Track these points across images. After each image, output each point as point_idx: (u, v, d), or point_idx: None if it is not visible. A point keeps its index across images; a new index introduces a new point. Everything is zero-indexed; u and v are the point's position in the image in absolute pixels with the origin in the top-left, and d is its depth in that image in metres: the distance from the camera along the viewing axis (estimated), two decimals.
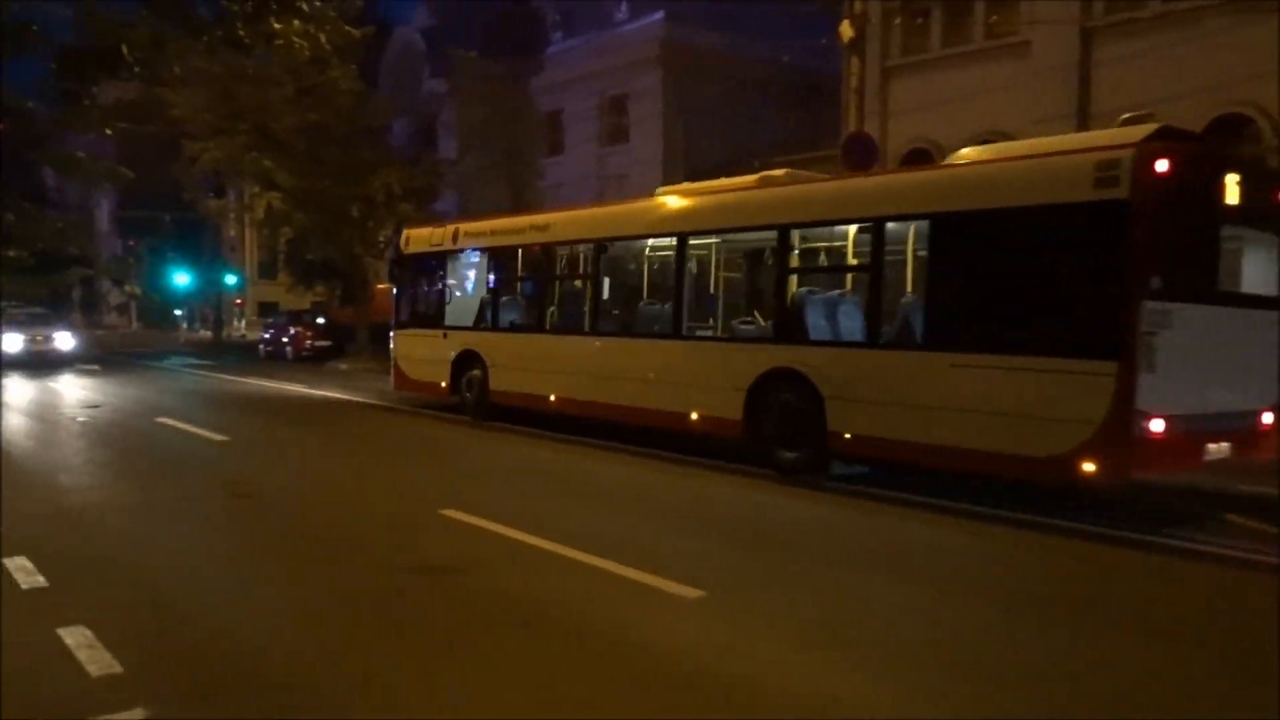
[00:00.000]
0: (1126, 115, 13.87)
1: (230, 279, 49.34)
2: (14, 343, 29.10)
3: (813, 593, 6.67)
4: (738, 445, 11.62)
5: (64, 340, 30.41)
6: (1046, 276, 8.96)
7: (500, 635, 5.67)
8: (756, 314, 12.61)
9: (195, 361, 31.25)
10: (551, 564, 7.21)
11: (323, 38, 11.75)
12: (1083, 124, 19.92)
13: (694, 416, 11.94)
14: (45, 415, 16.86)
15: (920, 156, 23.20)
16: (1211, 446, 8.85)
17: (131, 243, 49.91)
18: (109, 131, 6.08)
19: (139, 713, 4.56)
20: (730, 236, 12.79)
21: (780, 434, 10.93)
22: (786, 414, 10.85)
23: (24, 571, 6.82)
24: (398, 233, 23.41)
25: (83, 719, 4.47)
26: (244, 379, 24.40)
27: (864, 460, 10.85)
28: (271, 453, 12.78)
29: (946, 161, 10.63)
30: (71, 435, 14.41)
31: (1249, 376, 9.23)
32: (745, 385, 11.24)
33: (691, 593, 6.41)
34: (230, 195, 35.53)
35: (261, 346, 35.01)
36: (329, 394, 20.26)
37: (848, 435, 10.29)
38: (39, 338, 29.67)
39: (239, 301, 56.64)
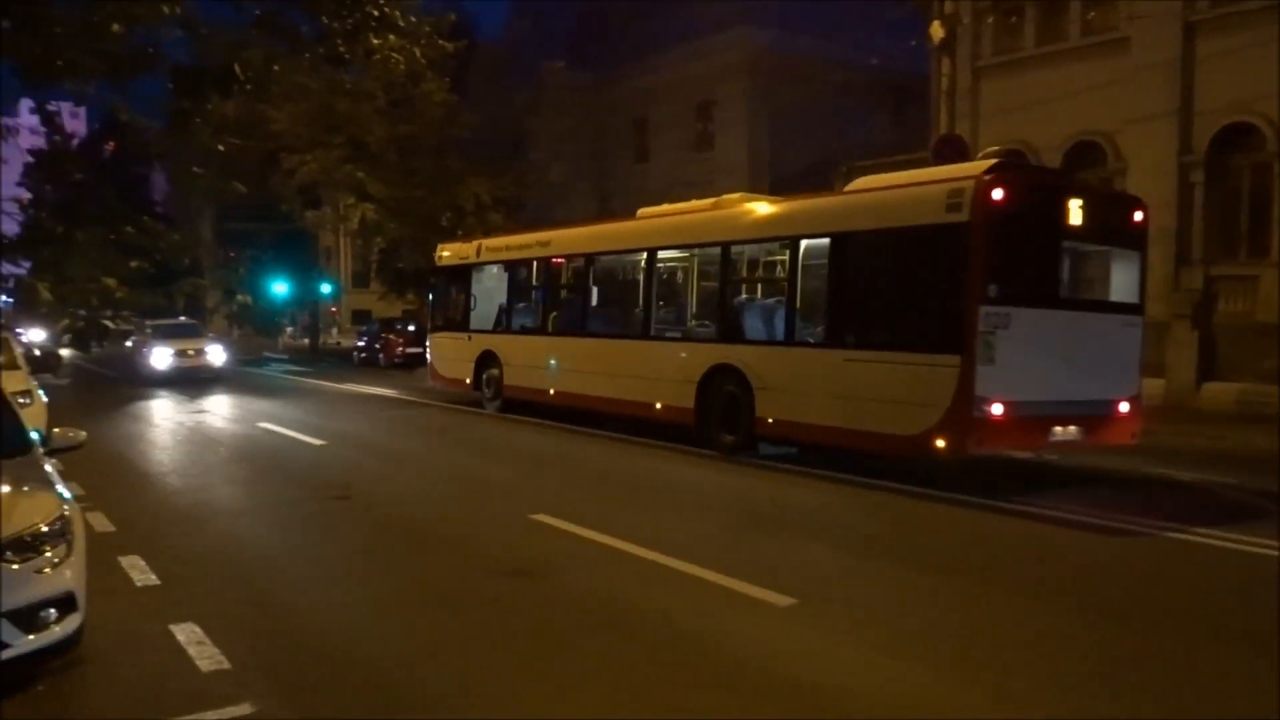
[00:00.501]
0: (991, 149, 16.00)
1: (325, 288, 50.65)
2: (163, 358, 26.38)
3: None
4: (689, 430, 13.39)
5: (215, 354, 27.44)
6: (912, 285, 10.87)
7: (593, 637, 5.72)
8: (707, 318, 14.16)
9: (293, 368, 32.13)
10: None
11: (417, 52, 12.08)
12: (1185, 123, 19.25)
13: (658, 406, 13.89)
14: (155, 421, 17.53)
15: (1013, 158, 22.70)
16: (1058, 429, 10.40)
17: (232, 254, 51.58)
18: (221, 148, 6.36)
19: (246, 708, 4.71)
20: (686, 251, 14.73)
21: (722, 420, 12.82)
22: (728, 403, 12.69)
23: (137, 569, 7.11)
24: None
25: (196, 714, 4.64)
26: (339, 385, 25.03)
27: (782, 441, 12.36)
28: (366, 455, 13.07)
29: (845, 189, 12.59)
30: (179, 439, 14.96)
31: (1104, 371, 10.80)
32: (696, 379, 13.16)
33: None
34: (325, 207, 36.51)
35: (356, 354, 35.87)
36: (417, 399, 20.65)
37: (770, 420, 12.14)
38: (190, 351, 26.76)
39: (334, 310, 58.12)
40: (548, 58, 33.55)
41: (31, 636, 4.74)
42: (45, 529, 4.95)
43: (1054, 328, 10.44)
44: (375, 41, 6.16)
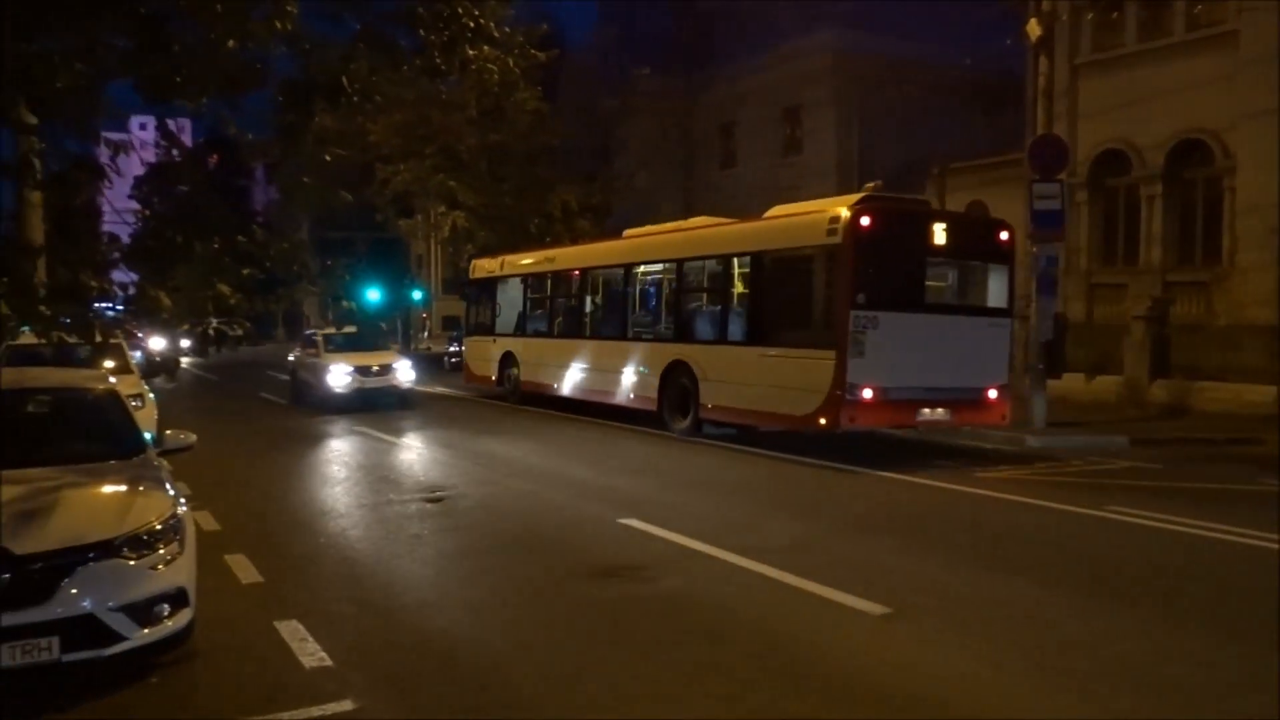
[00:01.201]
0: (870, 184, 18.73)
1: (417, 294, 51.71)
2: (340, 377, 19.92)
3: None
4: (650, 416, 16.32)
5: (403, 370, 20.66)
6: (805, 294, 13.68)
7: (690, 642, 5.71)
8: (667, 322, 16.71)
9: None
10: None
11: (511, 62, 12.42)
12: None
13: (631, 396, 16.95)
14: (265, 426, 18.09)
15: (1114, 158, 22.03)
16: (926, 411, 13.00)
17: (329, 262, 53.15)
18: (328, 158, 6.59)
19: (348, 704, 4.82)
20: (653, 266, 17.37)
21: (676, 407, 15.67)
22: (680, 392, 15.58)
23: (243, 568, 7.34)
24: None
25: (300, 709, 4.77)
26: (430, 389, 25.45)
27: (719, 424, 15.02)
28: (460, 457, 13.28)
29: (765, 216, 15.13)
30: (275, 442, 15.41)
31: (972, 363, 13.28)
32: (658, 373, 16.05)
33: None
34: (418, 215, 37.27)
35: (447, 359, 36.47)
36: (504, 403, 20.89)
37: (710, 406, 14.94)
38: (374, 367, 20.30)
39: (425, 316, 59.30)
40: (635, 65, 33.70)
41: (146, 630, 4.91)
42: (159, 527, 5.14)
43: (920, 328, 12.97)
44: (471, 53, 6.26)
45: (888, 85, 30.65)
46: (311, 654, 5.49)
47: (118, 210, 6.40)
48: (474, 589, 6.96)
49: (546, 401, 19.59)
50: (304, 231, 55.13)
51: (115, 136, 5.41)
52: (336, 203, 5.03)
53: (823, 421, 12.70)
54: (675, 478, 11.89)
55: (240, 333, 5.30)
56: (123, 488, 5.45)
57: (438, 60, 5.95)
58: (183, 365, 35.20)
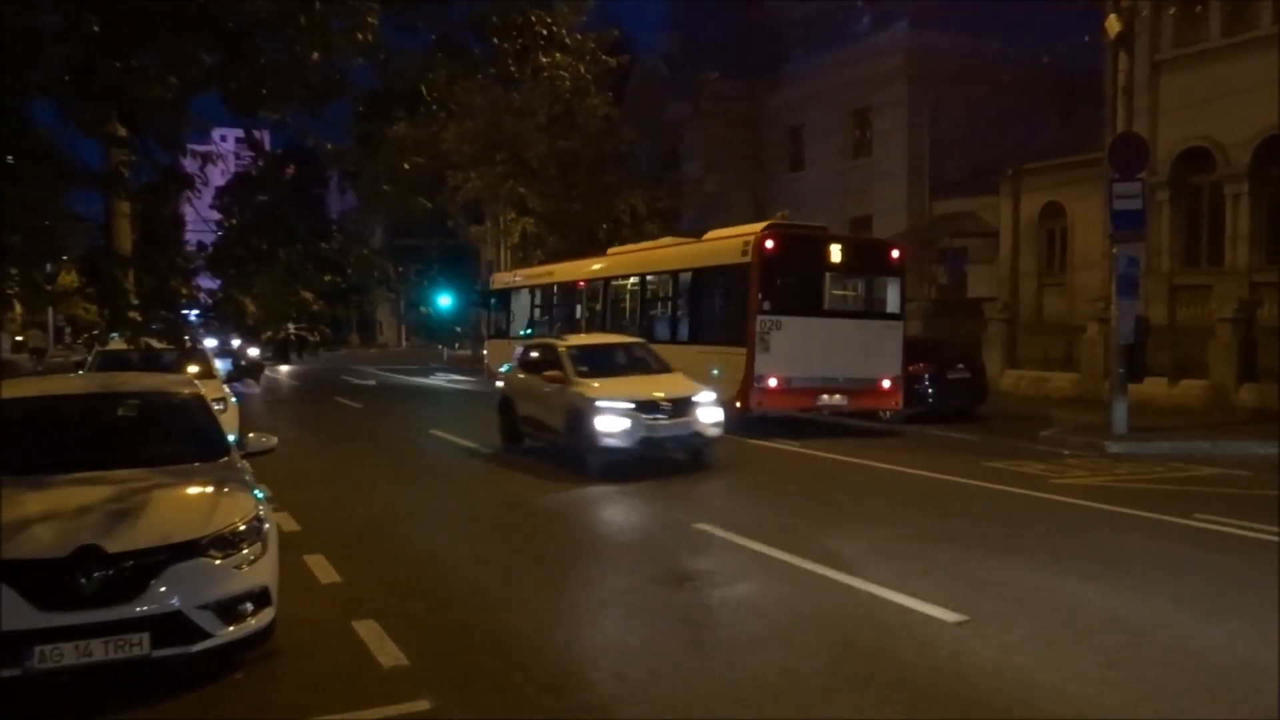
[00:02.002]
0: (781, 212, 22.69)
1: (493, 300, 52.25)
2: (615, 420, 12.12)
3: None
4: None
5: (708, 410, 12.57)
6: (727, 303, 16.95)
7: (766, 648, 5.67)
8: (634, 326, 19.23)
9: (457, 377, 33.17)
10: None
11: (582, 68, 12.55)
12: None
13: None
14: (338, 430, 18.43)
15: (1196, 156, 21.38)
16: (825, 397, 16.09)
17: (400, 269, 53.97)
18: (406, 165, 6.68)
19: (423, 704, 4.88)
20: (625, 279, 20.74)
21: None
22: None
23: (322, 569, 7.48)
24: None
25: (378, 708, 4.84)
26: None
27: None
28: (530, 464, 13.37)
29: (703, 238, 18.77)
30: (354, 445, 15.69)
31: (867, 358, 16.28)
32: None
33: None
34: (487, 221, 37.71)
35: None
36: None
37: None
38: (665, 402, 12.34)
39: None
40: (703, 69, 33.60)
41: (231, 628, 5.05)
42: (243, 527, 5.27)
43: (818, 330, 16.05)
44: (544, 59, 6.30)
45: (960, 85, 30.13)
46: (388, 654, 5.57)
47: (205, 220, 6.58)
48: (550, 592, 7.00)
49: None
50: (377, 239, 56.16)
51: (200, 148, 5.57)
52: (415, 210, 5.11)
53: (739, 405, 15.54)
54: (736, 481, 11.82)
55: (318, 339, 5.38)
56: (208, 489, 5.59)
57: (511, 67, 6.00)
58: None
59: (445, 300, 51.98)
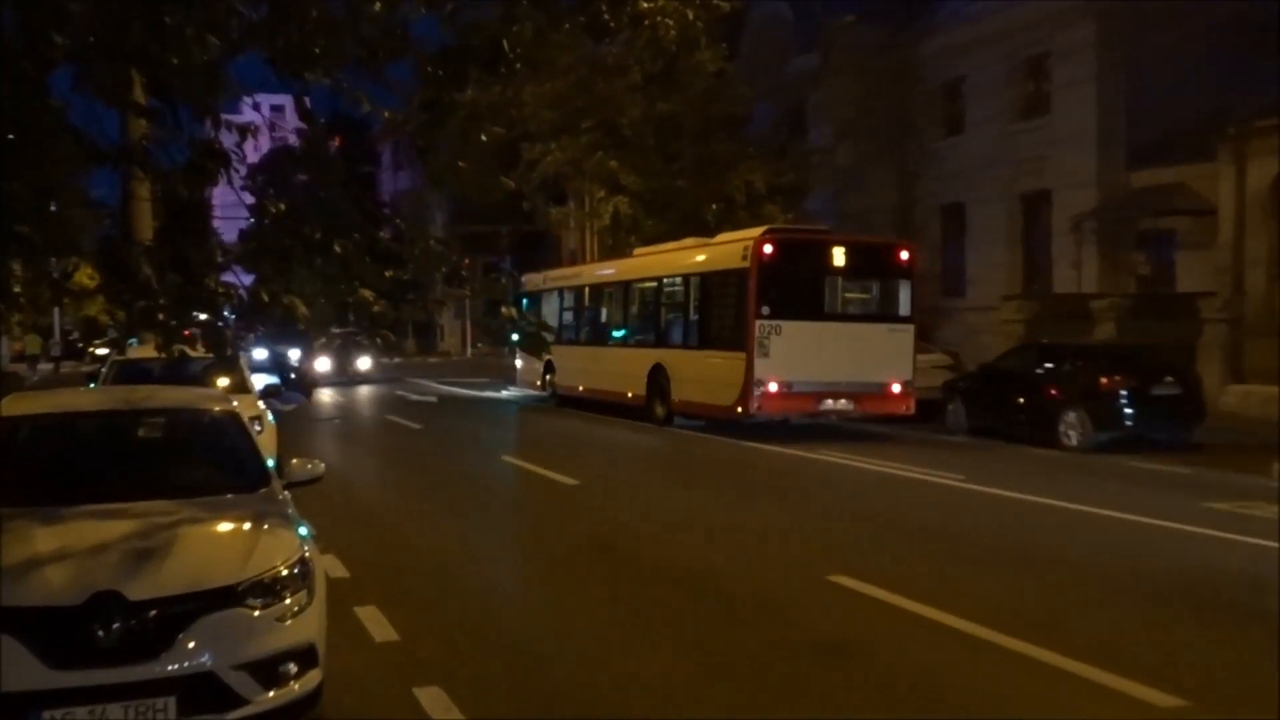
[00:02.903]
0: (786, 216, 27.26)
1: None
2: None
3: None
4: (639, 411, 22.70)
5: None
6: (730, 307, 20.02)
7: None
8: (653, 330, 23.36)
9: (534, 392, 33.34)
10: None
11: (691, 14, 12.53)
12: None
13: (629, 395, 23.29)
14: (393, 449, 18.81)
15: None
16: (829, 401, 19.35)
17: (467, 260, 54.80)
18: (484, 137, 6.69)
19: None
20: (646, 283, 24.13)
21: (658, 402, 22.16)
22: (660, 390, 22.01)
23: (376, 623, 7.61)
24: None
25: None
26: (592, 413, 25.84)
27: (685, 415, 21.39)
28: (625, 497, 13.41)
29: (713, 240, 22.61)
30: (416, 476, 15.97)
31: (875, 362, 19.45)
32: (644, 374, 22.55)
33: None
34: (571, 203, 38.04)
35: None
36: (679, 429, 21.05)
37: (677, 400, 21.51)
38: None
39: None
40: (835, 12, 33.40)
41: (271, 693, 5.11)
42: (285, 572, 5.34)
43: (820, 334, 19.29)
44: (645, 5, 6.28)
45: (1165, 25, 29.25)
46: None
47: (246, 206, 6.73)
48: (650, 654, 6.99)
49: (575, 402, 26.07)
50: (438, 225, 57.18)
51: (236, 120, 5.69)
52: (495, 191, 5.08)
53: (739, 409, 19.21)
54: (855, 513, 11.68)
55: (380, 344, 5.40)
56: (246, 525, 5.71)
57: (605, 16, 5.99)
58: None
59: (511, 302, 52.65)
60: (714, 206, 29.91)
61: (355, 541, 10.38)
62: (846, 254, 19.75)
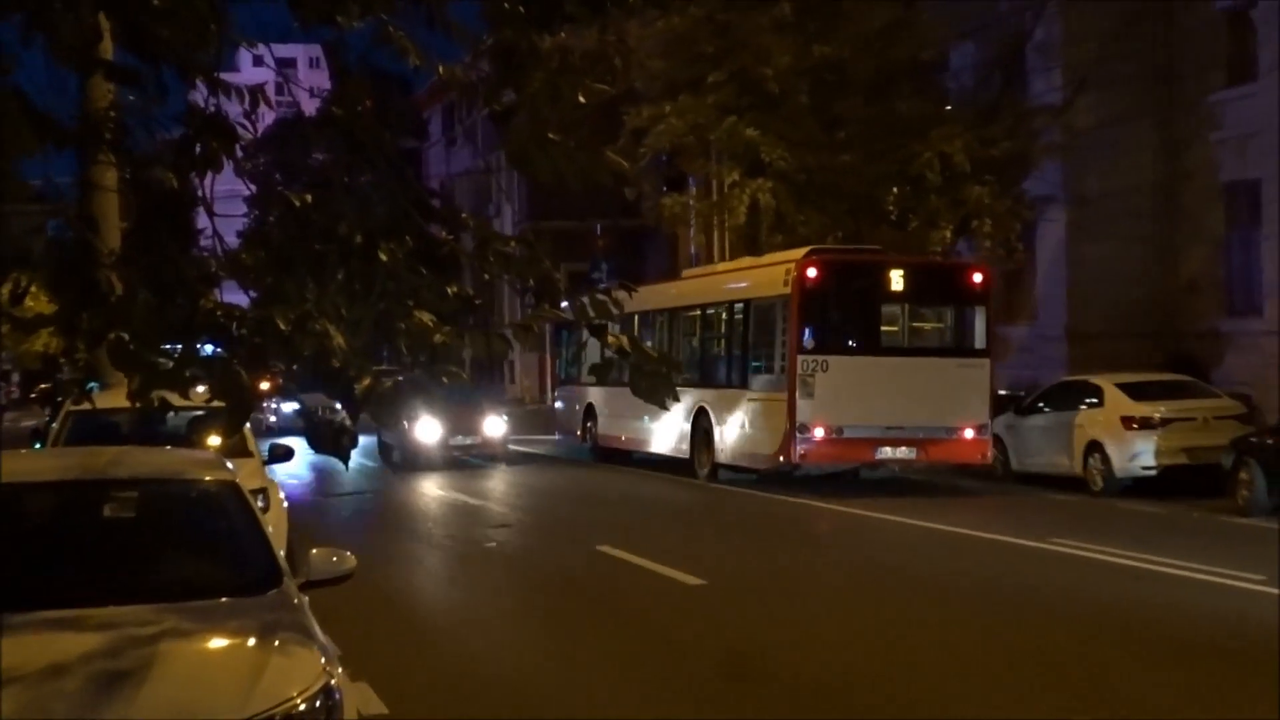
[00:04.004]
0: (833, 235, 28.77)
1: None
2: None
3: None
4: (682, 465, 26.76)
5: None
6: (771, 340, 23.89)
7: None
8: (695, 367, 26.03)
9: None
10: None
11: None
12: None
13: (671, 445, 26.81)
14: (443, 537, 19.02)
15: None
16: (887, 449, 22.50)
17: (559, 269, 55.33)
18: (582, 98, 6.68)
19: None
20: (687, 311, 27.95)
21: (703, 452, 25.41)
22: (706, 437, 25.30)
23: None
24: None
25: None
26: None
27: (730, 469, 25.17)
28: (778, 604, 13.33)
29: (756, 263, 26.19)
30: (469, 565, 16.12)
31: (942, 403, 22.38)
32: (688, 419, 25.67)
33: None
34: (692, 188, 37.94)
35: None
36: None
37: (721, 450, 25.20)
38: None
39: None
40: None
41: None
42: (304, 706, 5.36)
43: (876, 370, 21.77)
44: None
45: None
46: None
47: (246, 198, 6.82)
48: None
49: (618, 456, 29.95)
50: (504, 220, 57.84)
51: (237, 83, 5.73)
52: (601, 173, 4.97)
53: (782, 460, 22.03)
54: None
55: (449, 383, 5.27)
56: (250, 641, 5.77)
57: None
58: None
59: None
60: (894, 191, 29.59)
61: (397, 661, 10.50)
62: (906, 277, 22.72)
